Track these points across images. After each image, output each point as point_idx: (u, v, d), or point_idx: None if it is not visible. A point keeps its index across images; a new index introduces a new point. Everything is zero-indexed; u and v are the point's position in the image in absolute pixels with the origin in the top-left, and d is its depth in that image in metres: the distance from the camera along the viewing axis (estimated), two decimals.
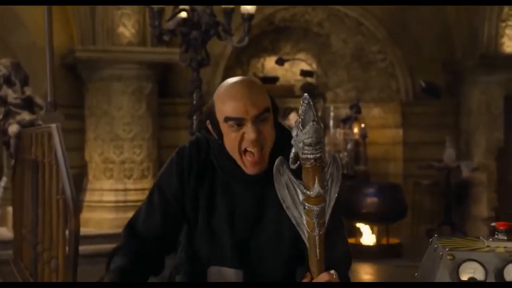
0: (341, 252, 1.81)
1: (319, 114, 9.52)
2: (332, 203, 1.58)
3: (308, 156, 1.52)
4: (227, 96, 1.76)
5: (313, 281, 1.58)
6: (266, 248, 1.81)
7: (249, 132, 1.74)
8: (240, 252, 1.81)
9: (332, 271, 1.59)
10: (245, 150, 1.76)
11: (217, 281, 1.84)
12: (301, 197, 1.56)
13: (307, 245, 1.58)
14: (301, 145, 1.52)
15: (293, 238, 1.75)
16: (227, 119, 1.75)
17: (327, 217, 1.57)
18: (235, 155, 1.79)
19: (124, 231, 1.93)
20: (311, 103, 1.52)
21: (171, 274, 1.96)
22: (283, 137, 1.78)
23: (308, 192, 1.54)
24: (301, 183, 1.56)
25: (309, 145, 1.51)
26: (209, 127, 1.83)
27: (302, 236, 1.59)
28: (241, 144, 1.76)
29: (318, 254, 1.57)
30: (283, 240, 1.80)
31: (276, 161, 1.60)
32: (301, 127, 1.51)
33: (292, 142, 1.55)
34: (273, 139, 1.79)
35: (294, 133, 1.54)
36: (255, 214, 1.82)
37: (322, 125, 1.52)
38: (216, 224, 1.83)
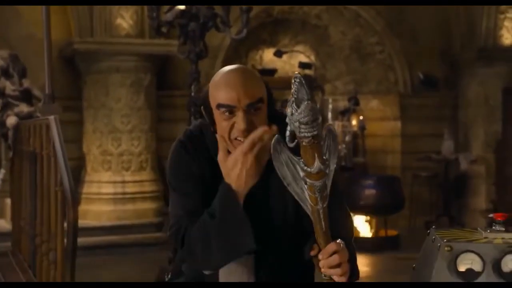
0: (344, 221, 1.83)
1: (318, 106, 9.53)
2: (331, 175, 1.59)
3: (306, 134, 1.52)
4: (221, 83, 1.77)
5: (321, 252, 1.61)
6: (272, 227, 1.81)
7: (239, 121, 1.73)
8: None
9: (339, 240, 1.62)
10: (236, 139, 1.76)
11: (229, 267, 1.84)
12: (301, 173, 1.57)
13: (312, 218, 1.60)
14: (297, 124, 1.52)
15: (297, 214, 1.76)
16: (219, 106, 1.75)
17: (329, 189, 1.58)
18: (226, 141, 1.78)
19: (172, 230, 1.84)
20: (303, 81, 1.52)
21: None
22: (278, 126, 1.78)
23: (309, 169, 1.55)
24: (300, 160, 1.57)
25: (306, 123, 1.51)
26: (203, 113, 1.84)
27: (306, 210, 1.61)
28: (230, 132, 1.76)
29: (323, 226, 1.59)
30: (288, 218, 1.81)
31: (273, 140, 1.60)
32: (295, 106, 1.52)
33: (287, 120, 1.56)
34: None
35: (288, 112, 1.54)
36: (260, 196, 1.80)
37: (316, 103, 1.53)
38: None
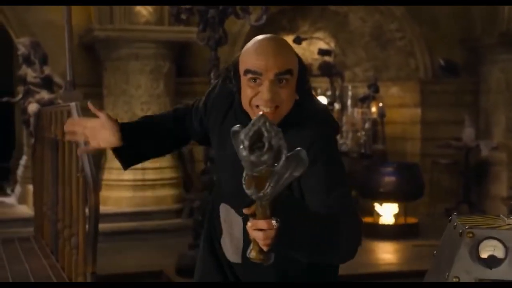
0: (322, 197, 1.67)
1: (337, 93, 9.38)
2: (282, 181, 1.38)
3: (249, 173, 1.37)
4: (252, 49, 1.75)
5: (251, 219, 1.45)
6: None
7: (264, 91, 1.71)
8: (241, 200, 1.68)
9: (274, 221, 1.43)
10: (257, 106, 1.74)
11: (226, 219, 1.91)
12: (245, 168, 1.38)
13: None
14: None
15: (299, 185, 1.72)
16: (246, 72, 1.74)
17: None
18: (247, 108, 1.77)
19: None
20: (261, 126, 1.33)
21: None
22: (305, 106, 1.77)
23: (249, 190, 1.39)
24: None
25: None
26: (232, 77, 1.83)
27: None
28: (252, 99, 1.74)
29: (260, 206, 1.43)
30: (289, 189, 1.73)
31: (234, 129, 1.40)
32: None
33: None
34: (290, 104, 1.76)
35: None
36: None
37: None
38: (222, 169, 1.91)
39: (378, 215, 7.72)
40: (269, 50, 1.72)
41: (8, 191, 9.21)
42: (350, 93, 9.51)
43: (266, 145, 1.31)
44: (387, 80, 9.64)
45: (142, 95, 7.98)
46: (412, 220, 7.80)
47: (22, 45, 7.05)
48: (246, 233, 1.53)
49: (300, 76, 1.78)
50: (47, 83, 6.98)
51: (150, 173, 8.01)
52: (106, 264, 5.00)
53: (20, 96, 7.08)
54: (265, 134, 1.31)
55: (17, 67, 7.65)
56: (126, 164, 2.05)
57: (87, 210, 3.70)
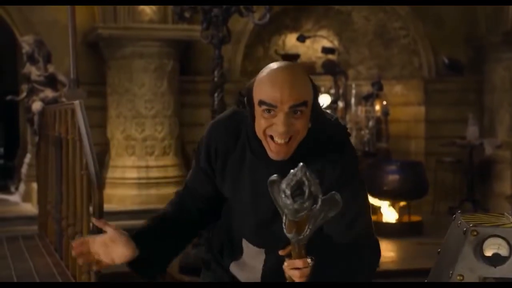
0: (346, 225, 1.74)
1: (341, 91, 9.38)
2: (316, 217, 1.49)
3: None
4: (267, 79, 1.68)
5: (287, 259, 1.57)
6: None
7: (279, 123, 1.66)
8: (262, 232, 1.82)
9: (309, 260, 1.55)
10: (272, 136, 1.71)
11: (247, 254, 1.89)
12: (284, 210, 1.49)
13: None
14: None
15: None
16: (260, 103, 1.68)
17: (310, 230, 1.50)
18: (261, 137, 1.74)
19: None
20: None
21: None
22: (319, 128, 1.75)
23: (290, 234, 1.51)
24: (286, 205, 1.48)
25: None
26: (246, 104, 1.78)
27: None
28: (266, 130, 1.70)
29: (296, 249, 1.55)
30: None
31: (272, 179, 1.48)
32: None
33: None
34: (304, 133, 1.73)
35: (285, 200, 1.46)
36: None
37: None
38: (243, 200, 1.82)
39: (382, 213, 7.71)
40: (284, 82, 1.66)
41: (12, 189, 9.23)
42: (353, 91, 9.50)
43: (307, 192, 1.43)
44: (391, 78, 9.63)
45: (145, 94, 7.99)
46: (416, 218, 7.79)
47: (26, 43, 7.06)
48: (266, 265, 1.83)
49: (314, 104, 1.73)
50: (51, 81, 6.99)
51: (154, 171, 8.02)
52: None
53: (24, 94, 7.09)
54: (306, 183, 1.43)
55: (21, 65, 7.66)
56: (151, 273, 1.87)
57: (91, 208, 3.71)
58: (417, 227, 7.58)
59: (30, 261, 4.55)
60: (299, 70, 1.75)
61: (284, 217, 1.48)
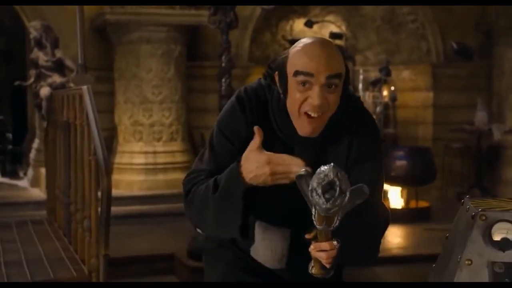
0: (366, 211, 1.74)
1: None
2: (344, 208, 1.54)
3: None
4: (304, 51, 1.73)
5: (314, 242, 1.60)
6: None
7: (314, 96, 1.70)
8: (288, 212, 1.81)
9: (335, 242, 1.58)
10: (306, 113, 1.73)
11: (264, 239, 1.87)
12: (312, 210, 1.55)
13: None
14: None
15: None
16: (296, 73, 1.71)
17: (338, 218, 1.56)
18: (293, 113, 1.76)
19: (187, 178, 1.86)
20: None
21: None
22: (348, 107, 1.80)
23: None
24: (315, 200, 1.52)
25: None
26: (277, 79, 1.80)
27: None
28: (302, 105, 1.73)
29: (324, 229, 1.58)
30: None
31: (300, 173, 1.54)
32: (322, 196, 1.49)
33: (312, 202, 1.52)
34: (335, 109, 1.76)
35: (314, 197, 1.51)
36: None
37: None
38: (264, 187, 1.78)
39: (390, 199, 7.71)
40: (321, 53, 1.71)
41: (21, 174, 9.28)
42: (361, 76, 9.47)
43: (338, 191, 1.47)
44: (399, 63, 9.58)
45: (153, 79, 7.99)
46: (423, 204, 7.79)
47: (33, 28, 7.06)
48: (295, 245, 1.82)
49: (345, 81, 1.78)
50: (59, 67, 6.99)
51: (161, 156, 8.03)
52: (118, 246, 5.03)
53: (32, 79, 7.10)
54: (337, 182, 1.47)
55: (29, 51, 7.67)
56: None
57: (99, 193, 3.73)
58: (425, 213, 7.58)
59: (39, 245, 4.58)
60: (334, 45, 1.81)
61: (313, 210, 1.53)
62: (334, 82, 1.72)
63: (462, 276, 1.40)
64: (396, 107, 9.33)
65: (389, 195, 7.70)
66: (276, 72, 1.79)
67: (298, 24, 9.65)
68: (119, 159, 8.07)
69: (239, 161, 1.70)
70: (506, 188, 8.65)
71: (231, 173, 1.71)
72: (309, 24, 9.16)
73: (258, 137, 1.68)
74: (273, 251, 1.89)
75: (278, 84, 1.79)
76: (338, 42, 9.28)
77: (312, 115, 1.72)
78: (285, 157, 1.65)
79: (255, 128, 1.69)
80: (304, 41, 1.77)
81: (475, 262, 1.40)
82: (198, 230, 1.90)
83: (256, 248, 1.91)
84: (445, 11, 9.14)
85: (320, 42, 1.75)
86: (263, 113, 1.83)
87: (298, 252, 1.78)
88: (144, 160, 8.01)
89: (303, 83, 1.71)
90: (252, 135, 1.71)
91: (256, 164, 1.67)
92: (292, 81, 1.73)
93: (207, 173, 1.81)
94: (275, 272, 1.92)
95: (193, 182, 1.81)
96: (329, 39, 1.89)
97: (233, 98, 1.87)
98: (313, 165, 1.58)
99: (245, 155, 1.70)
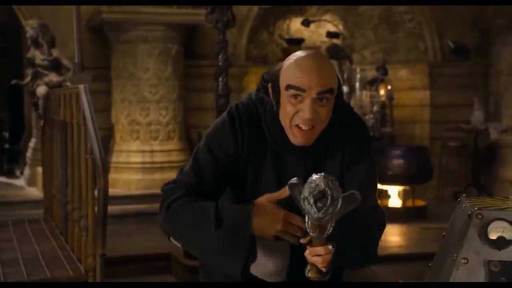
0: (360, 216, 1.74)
1: (345, 76, 9.34)
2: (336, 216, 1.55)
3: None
4: (296, 65, 1.73)
5: (309, 247, 1.61)
6: None
7: (305, 110, 1.71)
8: None
9: (331, 247, 1.59)
10: (296, 125, 1.75)
11: (265, 254, 1.85)
12: (306, 218, 1.57)
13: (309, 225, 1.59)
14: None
15: None
16: (288, 87, 1.72)
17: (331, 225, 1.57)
18: (286, 125, 1.77)
19: (167, 187, 1.83)
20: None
21: None
22: (340, 115, 1.82)
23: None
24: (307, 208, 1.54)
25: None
26: (270, 90, 1.81)
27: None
28: (293, 118, 1.74)
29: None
30: None
31: (292, 182, 1.56)
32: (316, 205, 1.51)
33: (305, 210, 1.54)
34: (327, 122, 1.78)
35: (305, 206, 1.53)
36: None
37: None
38: (263, 192, 1.79)
39: (387, 198, 7.72)
40: (313, 68, 1.72)
41: (18, 173, 9.27)
42: (358, 76, 9.47)
43: (329, 200, 1.49)
44: (396, 62, 9.59)
45: (150, 78, 7.98)
46: (420, 203, 7.80)
47: (30, 27, 7.05)
48: (293, 256, 1.81)
49: (337, 94, 1.79)
50: (55, 66, 6.98)
51: (158, 155, 8.03)
52: (115, 246, 5.03)
53: (28, 78, 7.08)
54: (328, 191, 1.49)
55: (26, 49, 7.65)
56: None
57: (96, 192, 3.72)
58: (421, 211, 7.59)
59: (36, 244, 4.58)
60: (326, 59, 1.83)
61: (306, 218, 1.55)
62: (326, 96, 1.73)
63: (458, 275, 1.40)
64: (393, 106, 9.34)
65: (386, 194, 7.71)
66: (270, 84, 1.81)
67: (295, 23, 9.65)
68: (116, 158, 8.06)
69: (252, 205, 1.71)
70: (503, 186, 8.67)
71: (242, 217, 1.71)
72: (306, 23, 9.16)
73: (285, 192, 1.64)
74: (274, 265, 1.89)
75: (271, 96, 1.81)
76: (335, 41, 9.30)
77: (303, 128, 1.74)
78: (299, 220, 1.66)
79: (286, 188, 1.63)
80: (298, 54, 1.78)
81: (471, 261, 1.40)
82: (174, 242, 1.84)
83: (256, 265, 1.88)
84: (442, 10, 9.15)
85: (313, 57, 1.76)
86: (256, 127, 1.84)
87: (297, 262, 1.77)
88: (141, 159, 8.00)
89: (295, 96, 1.72)
90: (243, 153, 1.79)
91: (271, 217, 1.69)
92: (284, 94, 1.75)
93: (188, 186, 1.79)
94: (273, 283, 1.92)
95: (176, 194, 1.78)
96: (323, 53, 1.92)
97: (224, 114, 1.87)
98: (308, 174, 1.58)
99: (262, 203, 1.71)
